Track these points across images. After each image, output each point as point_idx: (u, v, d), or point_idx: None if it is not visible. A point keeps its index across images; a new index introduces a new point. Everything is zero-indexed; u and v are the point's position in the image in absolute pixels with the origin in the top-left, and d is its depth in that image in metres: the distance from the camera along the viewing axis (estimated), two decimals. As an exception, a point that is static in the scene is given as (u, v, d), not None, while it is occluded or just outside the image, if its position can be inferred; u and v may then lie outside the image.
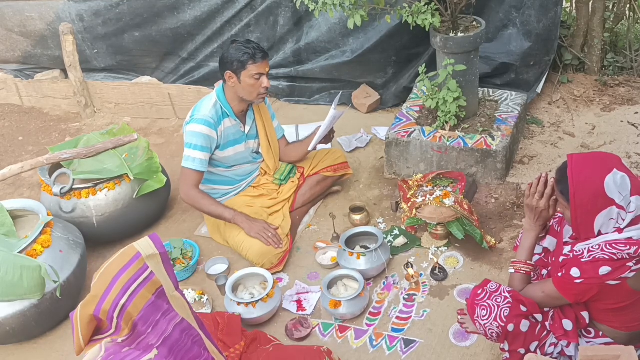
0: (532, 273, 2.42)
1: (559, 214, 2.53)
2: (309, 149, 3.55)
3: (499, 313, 2.28)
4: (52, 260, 2.98)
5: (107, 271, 1.95)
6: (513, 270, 2.41)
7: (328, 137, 3.57)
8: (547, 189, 2.33)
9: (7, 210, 3.17)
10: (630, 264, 2.10)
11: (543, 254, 2.57)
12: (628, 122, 4.10)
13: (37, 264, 2.86)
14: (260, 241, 3.20)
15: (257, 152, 3.53)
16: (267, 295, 2.95)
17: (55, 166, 3.56)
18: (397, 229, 3.45)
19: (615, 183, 2.09)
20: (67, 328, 3.15)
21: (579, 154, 2.21)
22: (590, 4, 4.41)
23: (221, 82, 3.29)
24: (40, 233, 3.03)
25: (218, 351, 2.20)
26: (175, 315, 2.04)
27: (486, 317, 2.30)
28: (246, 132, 3.38)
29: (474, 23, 3.64)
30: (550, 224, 2.53)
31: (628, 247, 2.09)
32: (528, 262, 2.40)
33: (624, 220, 2.11)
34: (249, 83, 3.16)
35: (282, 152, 3.61)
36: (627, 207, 2.10)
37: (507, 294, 2.31)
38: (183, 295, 2.09)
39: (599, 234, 2.15)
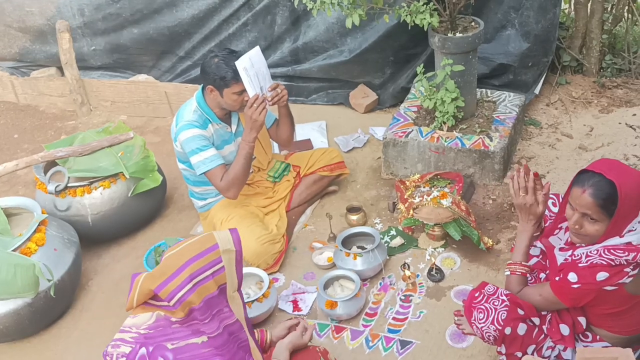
0: (528, 275, 2.41)
1: (551, 214, 2.53)
2: (253, 94, 3.05)
3: (496, 316, 2.27)
4: (46, 258, 2.96)
5: (181, 252, 1.95)
6: (509, 272, 2.40)
7: (282, 101, 3.23)
8: (529, 183, 2.33)
9: (2, 208, 3.15)
10: (627, 269, 2.09)
11: (541, 256, 2.56)
12: (626, 124, 4.10)
13: (31, 262, 2.84)
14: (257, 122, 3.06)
15: None
16: (262, 295, 2.93)
17: (51, 164, 3.54)
18: (394, 229, 3.44)
19: None
20: (61, 327, 3.14)
21: (595, 164, 2.18)
22: (589, 5, 4.41)
23: (200, 86, 3.23)
24: (35, 231, 3.01)
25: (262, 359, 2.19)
26: (228, 315, 2.02)
27: (483, 320, 2.29)
28: (234, 131, 3.35)
29: (473, 23, 3.63)
30: (546, 224, 2.52)
31: (626, 253, 2.08)
32: (524, 263, 2.39)
33: None
34: (231, 98, 3.13)
35: (274, 136, 3.51)
36: None
37: (504, 297, 2.30)
38: (242, 297, 2.07)
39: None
